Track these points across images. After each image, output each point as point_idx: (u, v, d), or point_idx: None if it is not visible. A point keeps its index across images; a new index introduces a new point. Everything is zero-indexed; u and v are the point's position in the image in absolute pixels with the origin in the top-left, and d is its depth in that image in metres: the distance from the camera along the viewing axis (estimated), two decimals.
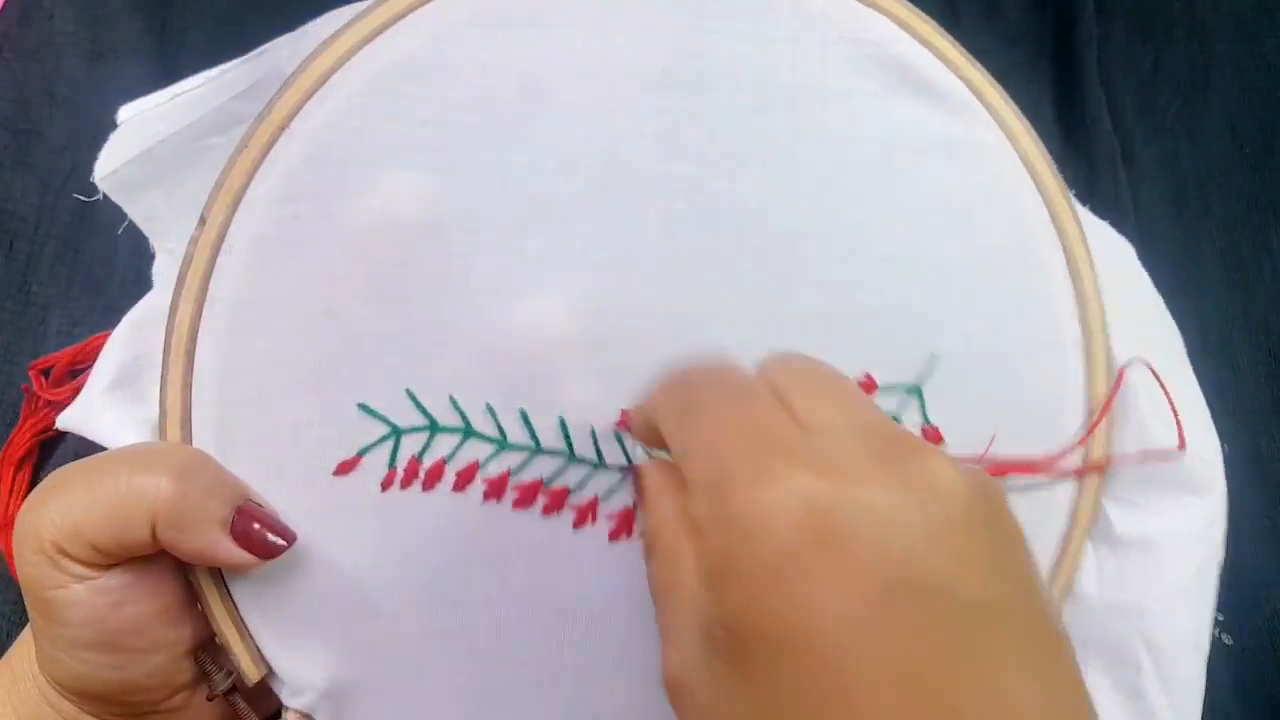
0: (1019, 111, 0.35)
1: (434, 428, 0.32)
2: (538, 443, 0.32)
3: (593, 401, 0.32)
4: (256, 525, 0.30)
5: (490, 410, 0.32)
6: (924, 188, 0.34)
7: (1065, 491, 0.36)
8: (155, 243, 0.38)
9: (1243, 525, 0.41)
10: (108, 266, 0.45)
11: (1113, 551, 0.35)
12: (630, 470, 0.33)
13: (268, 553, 0.30)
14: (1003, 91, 0.34)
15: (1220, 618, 0.41)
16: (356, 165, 0.31)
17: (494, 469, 0.32)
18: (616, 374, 0.32)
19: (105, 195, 0.37)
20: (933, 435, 0.35)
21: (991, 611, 0.20)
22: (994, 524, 0.22)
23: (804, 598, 0.20)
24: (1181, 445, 0.34)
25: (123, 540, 0.28)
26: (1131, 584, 0.34)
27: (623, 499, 0.33)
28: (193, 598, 0.32)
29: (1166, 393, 0.35)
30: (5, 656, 0.33)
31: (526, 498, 0.32)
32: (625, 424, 0.33)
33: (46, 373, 0.41)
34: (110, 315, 0.42)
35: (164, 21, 0.48)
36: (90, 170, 0.41)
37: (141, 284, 0.43)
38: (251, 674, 0.32)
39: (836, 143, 0.33)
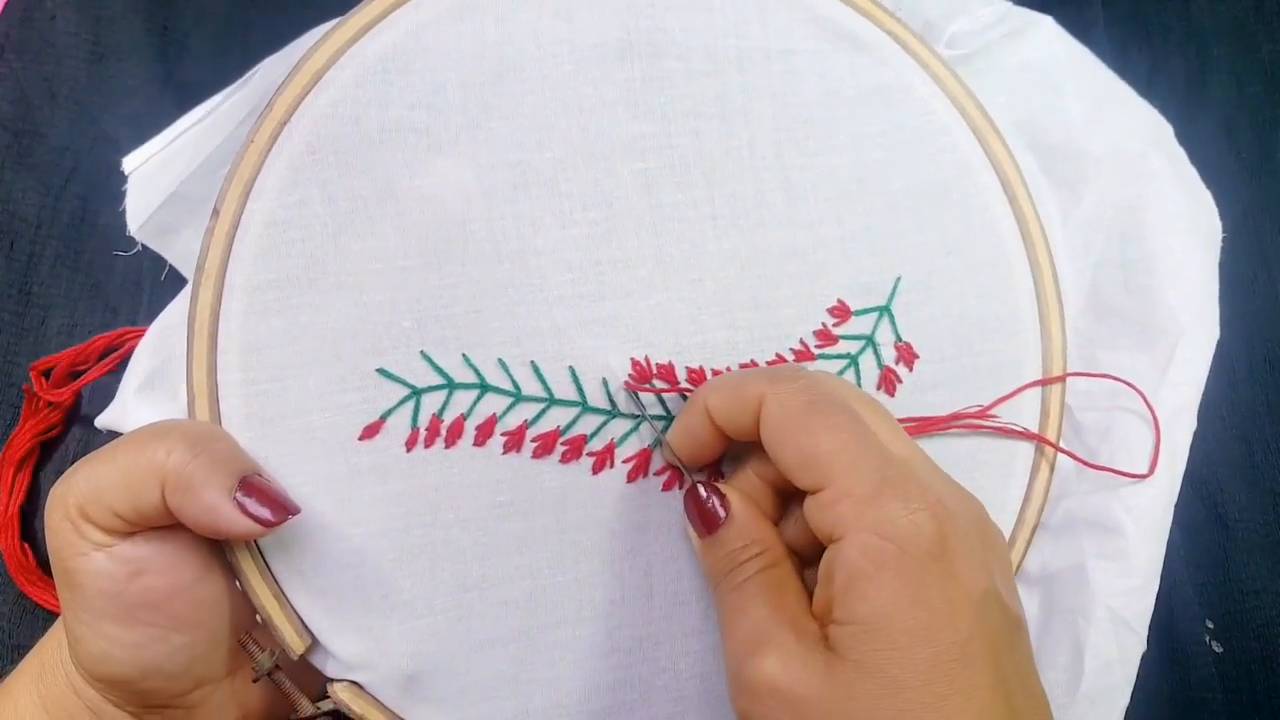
0: (943, 58, 0.39)
1: (451, 385, 0.34)
2: (551, 393, 0.34)
3: (598, 350, 0.35)
4: (260, 495, 0.30)
5: (502, 364, 0.34)
6: (867, 129, 0.38)
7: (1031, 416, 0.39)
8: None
9: (1236, 532, 0.44)
10: (108, 268, 0.45)
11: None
12: (639, 417, 0.35)
13: (268, 523, 0.30)
14: (926, 41, 0.39)
15: (1210, 625, 0.43)
16: (354, 150, 0.33)
17: (511, 421, 0.34)
18: (616, 322, 0.35)
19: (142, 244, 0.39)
20: (906, 351, 0.38)
21: (1020, 624, 0.29)
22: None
23: (945, 593, 0.26)
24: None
25: (137, 505, 0.30)
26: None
27: (637, 443, 0.35)
28: (215, 582, 0.33)
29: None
30: (37, 646, 0.34)
31: (545, 447, 0.34)
32: (639, 376, 0.35)
33: (47, 373, 0.41)
34: (111, 316, 0.44)
35: (165, 23, 0.48)
36: (90, 171, 0.42)
37: (141, 286, 0.44)
38: (295, 645, 0.33)
39: (784, 97, 0.37)
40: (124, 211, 0.40)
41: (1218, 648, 0.43)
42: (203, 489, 0.29)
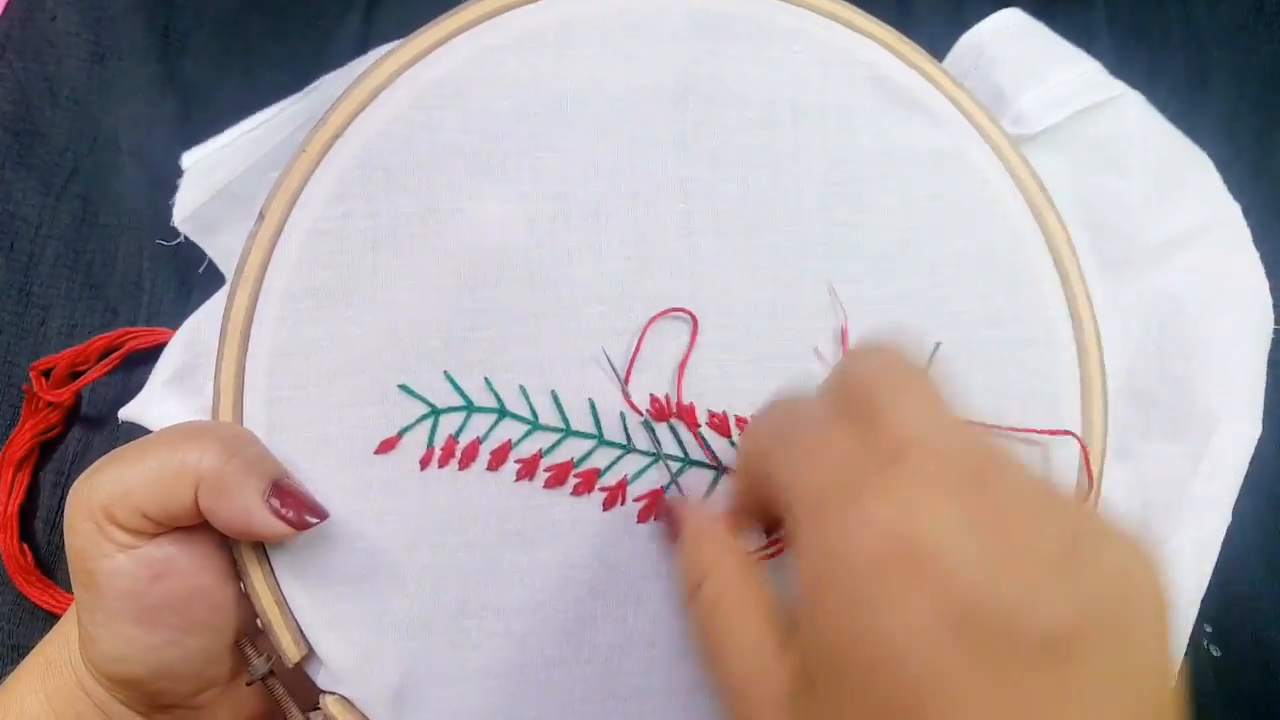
0: (1004, 129, 0.38)
1: (470, 408, 0.34)
2: (568, 424, 0.34)
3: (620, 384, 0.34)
4: (291, 499, 0.31)
5: (523, 391, 0.34)
6: (918, 191, 0.37)
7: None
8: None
9: (1234, 536, 0.42)
10: (108, 268, 0.45)
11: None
12: (659, 456, 0.35)
13: (300, 525, 0.31)
14: (989, 111, 0.38)
15: (1208, 629, 0.43)
16: (403, 168, 0.34)
17: (526, 449, 0.34)
18: (641, 359, 0.35)
19: (173, 232, 0.40)
20: None
21: (1065, 641, 0.21)
22: (1081, 550, 0.22)
23: (890, 622, 0.21)
24: None
25: (168, 506, 0.30)
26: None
27: (651, 481, 0.35)
28: (233, 586, 0.33)
29: None
30: (40, 644, 0.34)
31: (558, 478, 0.34)
32: (656, 413, 0.35)
33: (47, 373, 0.42)
34: (111, 316, 0.45)
35: (166, 23, 0.49)
36: (90, 171, 0.43)
37: (141, 286, 0.45)
38: (292, 653, 0.32)
39: (837, 152, 0.37)
40: (151, 208, 0.41)
41: (1215, 652, 0.43)
42: (238, 491, 0.30)
